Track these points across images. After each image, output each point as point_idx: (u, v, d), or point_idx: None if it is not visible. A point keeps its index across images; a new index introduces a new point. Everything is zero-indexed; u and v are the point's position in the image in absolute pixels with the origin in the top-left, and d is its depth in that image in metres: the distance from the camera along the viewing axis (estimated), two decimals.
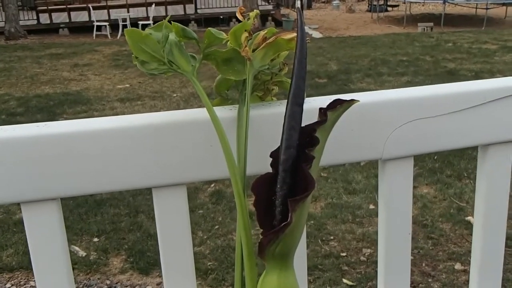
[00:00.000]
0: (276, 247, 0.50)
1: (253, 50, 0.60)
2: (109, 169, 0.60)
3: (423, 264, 2.90)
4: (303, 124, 0.53)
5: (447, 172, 4.07)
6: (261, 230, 0.51)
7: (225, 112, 0.63)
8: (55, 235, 0.61)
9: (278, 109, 0.64)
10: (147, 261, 3.00)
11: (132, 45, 0.56)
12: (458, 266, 2.87)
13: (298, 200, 0.48)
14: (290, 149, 0.51)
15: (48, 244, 0.61)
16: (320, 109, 0.53)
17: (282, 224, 0.48)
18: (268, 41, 0.59)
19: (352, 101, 0.56)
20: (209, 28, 0.58)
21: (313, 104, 0.63)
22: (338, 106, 0.54)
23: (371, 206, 3.56)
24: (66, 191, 0.60)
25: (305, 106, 0.54)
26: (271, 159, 0.53)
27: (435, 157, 4.25)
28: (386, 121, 0.68)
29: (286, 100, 0.54)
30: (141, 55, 0.57)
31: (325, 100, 0.62)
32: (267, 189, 0.52)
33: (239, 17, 0.58)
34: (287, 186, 0.51)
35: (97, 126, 0.60)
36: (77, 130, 0.59)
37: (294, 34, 0.58)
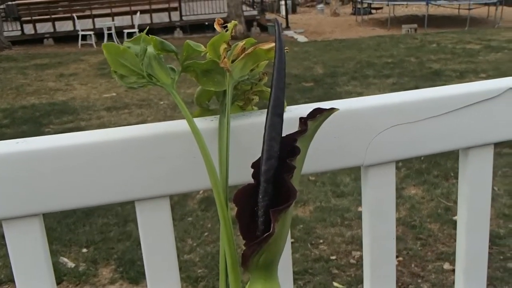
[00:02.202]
0: (260, 257, 0.50)
1: (232, 61, 0.60)
2: (91, 184, 0.60)
3: (412, 265, 2.92)
4: (284, 134, 0.53)
5: (434, 173, 4.09)
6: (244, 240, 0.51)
7: (206, 123, 0.63)
8: (38, 252, 0.61)
9: (258, 119, 0.64)
10: (137, 270, 2.98)
11: (110, 60, 0.56)
12: (447, 266, 2.89)
13: (281, 210, 0.48)
14: (271, 159, 0.52)
15: (31, 261, 0.61)
16: (301, 118, 0.54)
17: (265, 235, 0.48)
18: (247, 52, 0.59)
19: (332, 110, 0.56)
20: (187, 40, 0.58)
21: (294, 113, 0.63)
22: (318, 115, 0.55)
23: (360, 209, 3.57)
24: (48, 206, 0.60)
25: (285, 115, 0.55)
26: (252, 169, 0.53)
27: (422, 158, 4.28)
28: (367, 128, 0.69)
29: (267, 110, 0.54)
30: (119, 69, 0.56)
31: (305, 109, 0.62)
32: (249, 200, 0.52)
33: (217, 28, 0.58)
34: (269, 196, 0.51)
35: (77, 140, 0.60)
36: (57, 145, 0.59)
37: (273, 44, 0.58)
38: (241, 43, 0.60)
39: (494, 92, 0.73)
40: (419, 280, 2.79)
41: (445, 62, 8.55)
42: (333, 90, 7.13)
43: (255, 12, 16.67)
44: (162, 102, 7.00)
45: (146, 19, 15.60)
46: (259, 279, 0.51)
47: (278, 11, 20.04)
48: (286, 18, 17.06)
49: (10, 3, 16.90)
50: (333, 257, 3.03)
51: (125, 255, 3.14)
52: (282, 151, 0.52)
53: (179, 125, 0.63)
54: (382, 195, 0.73)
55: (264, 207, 0.51)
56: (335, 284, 2.79)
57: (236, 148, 0.62)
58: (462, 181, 0.78)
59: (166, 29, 15.25)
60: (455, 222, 3.26)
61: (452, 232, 3.19)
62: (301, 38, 14.14)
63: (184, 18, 16.08)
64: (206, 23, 15.54)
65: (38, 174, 0.58)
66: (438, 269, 2.87)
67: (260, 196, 0.51)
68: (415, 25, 14.35)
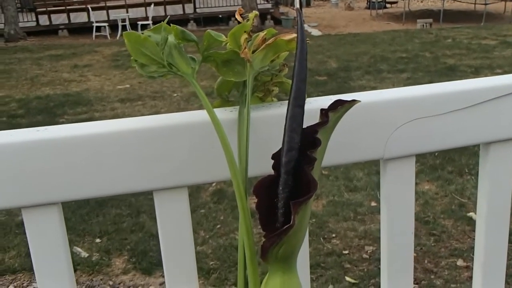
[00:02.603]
0: (279, 249, 0.49)
1: (253, 51, 0.59)
2: (110, 173, 0.60)
3: (425, 261, 2.90)
4: (304, 125, 0.53)
5: (448, 168, 4.06)
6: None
7: (226, 114, 0.62)
8: (57, 239, 0.61)
9: (279, 110, 0.63)
10: (149, 261, 3.00)
11: (131, 48, 0.56)
12: (460, 262, 2.87)
13: (301, 202, 0.48)
14: (292, 151, 0.51)
15: (49, 248, 0.61)
16: (322, 110, 0.53)
17: (285, 227, 0.48)
18: (267, 42, 0.59)
19: (353, 102, 0.55)
20: (208, 30, 0.58)
21: (314, 105, 0.63)
22: (339, 107, 0.54)
23: (373, 203, 3.56)
24: (67, 195, 0.60)
25: (306, 106, 0.54)
26: (272, 160, 0.52)
27: (436, 154, 4.24)
28: (387, 121, 0.68)
29: (287, 101, 0.54)
30: (140, 58, 0.56)
31: (326, 101, 0.61)
32: (269, 191, 0.51)
33: (238, 18, 0.58)
34: (289, 188, 0.51)
35: (97, 130, 0.60)
36: (77, 134, 0.59)
37: (294, 35, 0.58)
38: (262, 34, 0.60)
39: None
40: (432, 276, 2.77)
41: (460, 58, 8.47)
42: (347, 84, 7.10)
43: (269, 5, 16.61)
44: (175, 94, 7.02)
45: (160, 11, 15.62)
46: (277, 271, 0.51)
47: (292, 4, 19.95)
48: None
49: None
50: (346, 252, 3.03)
51: (138, 246, 3.16)
52: (303, 143, 0.52)
53: (198, 115, 0.62)
54: (401, 189, 0.72)
55: (284, 198, 0.51)
56: (347, 278, 2.78)
57: (256, 139, 0.62)
58: (483, 176, 0.77)
59: (180, 22, 15.19)
60: (469, 219, 3.25)
61: (466, 229, 3.17)
62: (315, 32, 14.08)
63: (198, 10, 16.08)
64: (220, 16, 15.52)
65: (58, 163, 0.58)
66: (452, 265, 2.85)
67: (280, 188, 0.51)
68: (431, 20, 14.22)
